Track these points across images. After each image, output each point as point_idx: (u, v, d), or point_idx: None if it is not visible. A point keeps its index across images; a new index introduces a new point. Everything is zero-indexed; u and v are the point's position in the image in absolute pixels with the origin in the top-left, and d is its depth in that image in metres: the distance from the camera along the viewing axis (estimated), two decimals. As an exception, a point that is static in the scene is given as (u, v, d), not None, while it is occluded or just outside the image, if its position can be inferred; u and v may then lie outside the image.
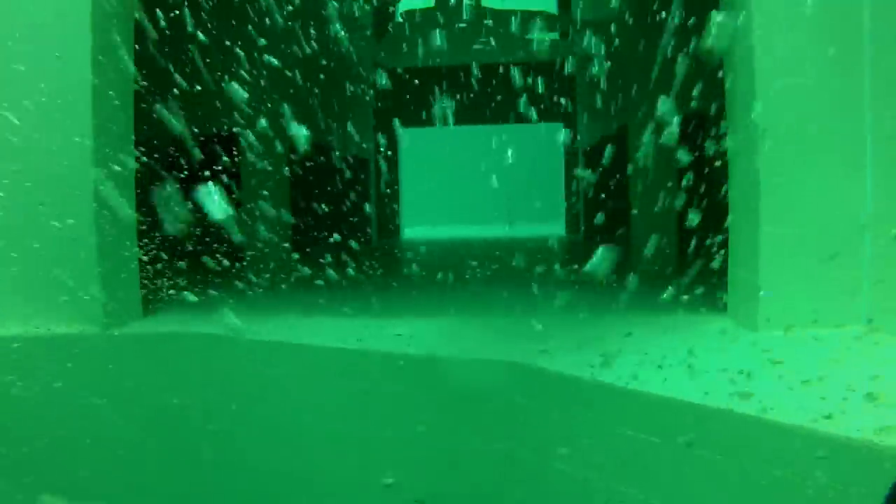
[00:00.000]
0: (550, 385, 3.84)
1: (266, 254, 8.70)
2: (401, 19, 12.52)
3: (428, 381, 4.26)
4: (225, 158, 10.17)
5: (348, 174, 13.65)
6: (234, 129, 8.71)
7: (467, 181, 23.54)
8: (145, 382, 4.62)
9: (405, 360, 4.32)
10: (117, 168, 5.21)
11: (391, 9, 15.49)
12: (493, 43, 14.16)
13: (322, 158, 12.03)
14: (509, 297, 6.49)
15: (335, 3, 11.88)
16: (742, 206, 4.96)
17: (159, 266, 7.21)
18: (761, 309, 4.65)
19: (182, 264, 7.40)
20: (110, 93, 5.22)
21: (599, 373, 3.73)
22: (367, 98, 15.29)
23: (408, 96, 16.61)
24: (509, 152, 23.32)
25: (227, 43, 8.22)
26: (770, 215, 4.59)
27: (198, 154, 9.38)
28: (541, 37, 14.81)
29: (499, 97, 16.72)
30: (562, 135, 17.56)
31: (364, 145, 14.44)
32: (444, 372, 4.23)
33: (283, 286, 7.62)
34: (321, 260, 8.88)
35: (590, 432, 3.63)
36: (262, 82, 8.76)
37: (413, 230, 18.47)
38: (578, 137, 15.33)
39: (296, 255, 9.44)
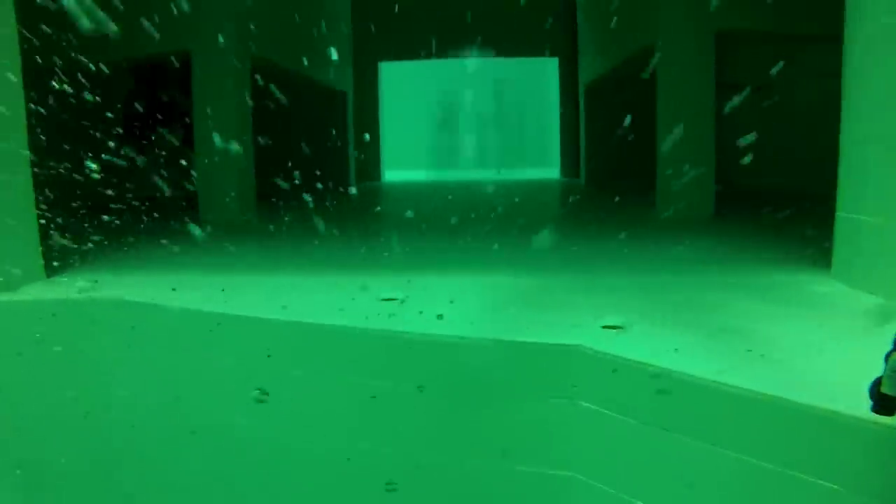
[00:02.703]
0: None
1: (222, 197, 7.21)
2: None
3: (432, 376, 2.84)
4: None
5: (323, 107, 12.08)
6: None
7: (451, 121, 21.94)
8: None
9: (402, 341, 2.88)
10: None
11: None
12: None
13: (294, 87, 10.44)
14: (530, 253, 5.10)
15: None
16: (865, 124, 3.57)
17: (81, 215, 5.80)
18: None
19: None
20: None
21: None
22: (344, 23, 13.59)
23: (388, 23, 14.97)
24: (499, 89, 21.88)
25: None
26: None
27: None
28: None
29: (490, 26, 15.18)
30: (557, 69, 16.03)
31: (341, 77, 12.81)
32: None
33: (242, 238, 6.17)
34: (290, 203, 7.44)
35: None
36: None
37: (393, 173, 16.94)
38: (580, 71, 13.79)
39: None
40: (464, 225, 6.65)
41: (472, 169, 19.69)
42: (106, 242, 5.27)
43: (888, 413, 1.71)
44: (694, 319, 2.99)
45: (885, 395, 1.69)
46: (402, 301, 3.36)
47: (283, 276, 4.20)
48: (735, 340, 2.65)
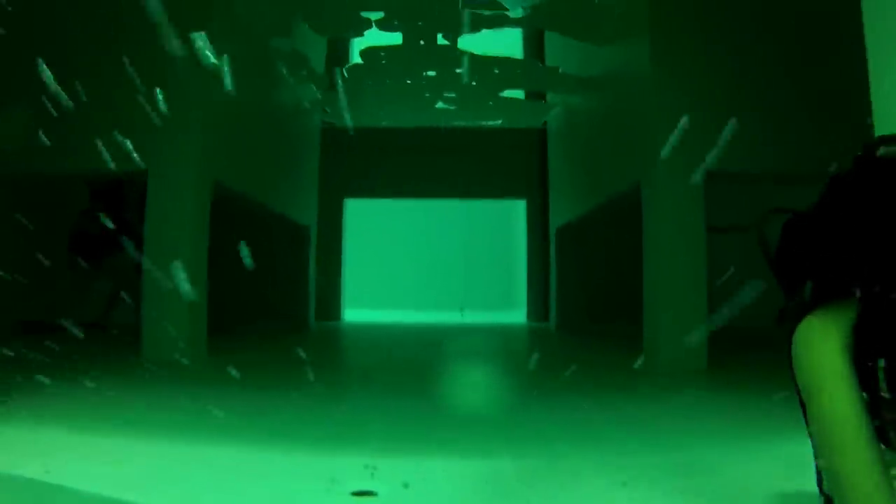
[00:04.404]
0: None
1: (169, 334, 6.39)
2: (359, 61, 10.61)
3: None
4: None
5: (285, 241, 11.50)
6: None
7: (416, 261, 21.55)
8: None
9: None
10: None
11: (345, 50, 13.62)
12: (458, 102, 12.42)
13: (256, 218, 9.88)
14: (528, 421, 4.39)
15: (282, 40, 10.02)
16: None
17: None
18: None
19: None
20: None
21: None
22: (312, 159, 13.28)
23: (357, 160, 14.77)
24: (465, 230, 21.71)
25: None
26: None
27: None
28: (513, 95, 13.14)
29: (460, 168, 15.07)
30: (525, 212, 15.86)
31: (305, 210, 12.32)
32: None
33: (184, 384, 5.33)
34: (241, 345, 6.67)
35: None
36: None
37: (354, 312, 16.23)
38: (551, 213, 13.56)
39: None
40: (441, 382, 5.91)
41: (435, 310, 19.09)
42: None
43: None
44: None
45: None
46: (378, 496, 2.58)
47: (216, 448, 3.38)
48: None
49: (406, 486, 2.69)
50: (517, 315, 16.67)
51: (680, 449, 3.46)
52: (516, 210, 17.20)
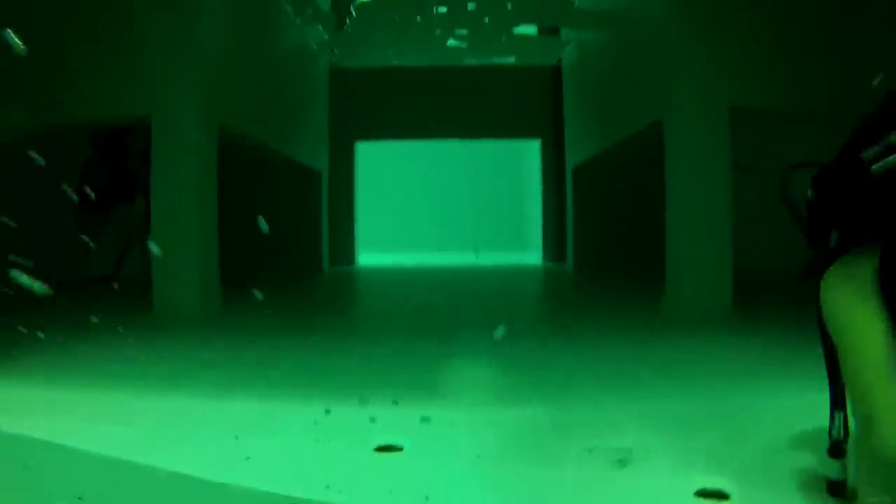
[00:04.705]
0: None
1: (181, 284, 6.29)
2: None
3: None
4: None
5: (296, 185, 11.33)
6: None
7: (429, 202, 21.37)
8: None
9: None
10: None
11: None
12: (469, 39, 12.03)
13: (266, 162, 9.69)
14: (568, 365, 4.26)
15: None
16: None
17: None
18: None
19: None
20: None
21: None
22: (321, 102, 13.00)
23: (367, 102, 14.47)
24: (478, 170, 21.47)
25: None
26: None
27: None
28: (526, 32, 12.71)
29: (473, 107, 14.74)
30: (539, 151, 15.53)
31: (316, 154, 12.11)
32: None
33: (199, 336, 5.24)
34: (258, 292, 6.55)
35: None
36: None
37: (368, 256, 16.13)
38: (567, 152, 13.24)
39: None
40: (464, 328, 5.77)
41: (450, 251, 18.98)
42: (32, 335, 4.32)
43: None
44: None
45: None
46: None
47: (234, 402, 3.26)
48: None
49: (426, 435, 2.59)
50: (532, 256, 16.54)
51: (706, 395, 3.35)
52: (530, 149, 16.87)
